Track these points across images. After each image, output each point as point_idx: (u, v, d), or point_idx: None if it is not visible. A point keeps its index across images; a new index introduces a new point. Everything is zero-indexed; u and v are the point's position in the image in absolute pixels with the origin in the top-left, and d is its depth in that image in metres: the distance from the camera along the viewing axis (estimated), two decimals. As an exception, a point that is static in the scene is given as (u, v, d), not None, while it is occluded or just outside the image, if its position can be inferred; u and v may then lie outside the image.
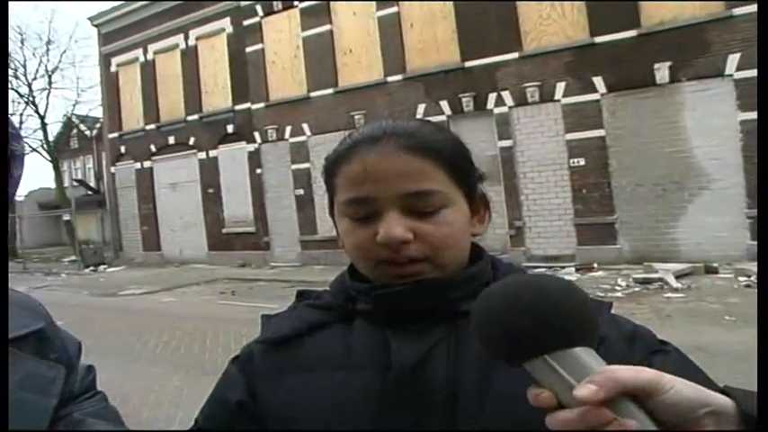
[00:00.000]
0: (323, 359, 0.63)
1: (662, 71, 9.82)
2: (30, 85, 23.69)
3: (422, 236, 0.61)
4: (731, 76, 9.37)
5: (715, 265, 8.74)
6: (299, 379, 0.62)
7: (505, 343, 0.42)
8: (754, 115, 9.07)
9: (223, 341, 6.57)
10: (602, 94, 10.54)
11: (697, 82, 9.66)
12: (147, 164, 18.00)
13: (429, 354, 0.59)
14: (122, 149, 18.63)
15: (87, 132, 25.07)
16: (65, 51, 31.96)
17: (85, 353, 0.78)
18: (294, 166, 14.50)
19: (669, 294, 7.80)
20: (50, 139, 24.73)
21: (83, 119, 25.70)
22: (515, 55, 11.46)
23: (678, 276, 8.40)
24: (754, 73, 9.04)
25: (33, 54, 23.07)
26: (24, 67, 23.68)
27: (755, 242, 7.61)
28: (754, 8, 9.03)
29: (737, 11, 9.32)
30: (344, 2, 13.89)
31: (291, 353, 0.65)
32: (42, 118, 24.05)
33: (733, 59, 9.34)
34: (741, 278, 8.13)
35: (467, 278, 0.63)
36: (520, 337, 0.40)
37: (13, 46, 22.06)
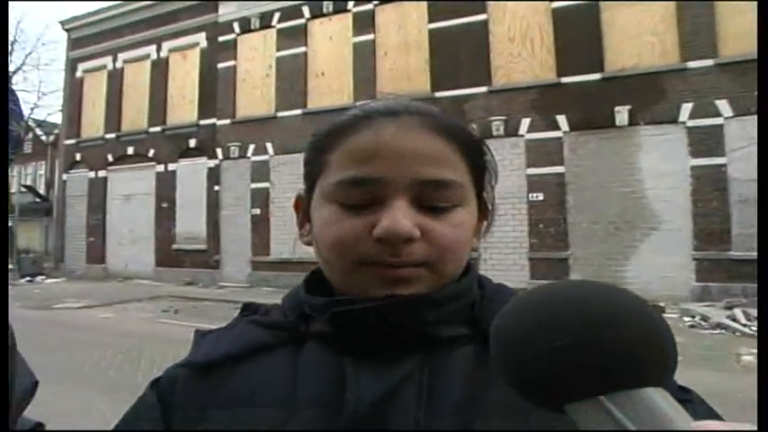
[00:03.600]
0: (260, 392, 0.51)
1: (622, 114, 10.49)
2: (-13, 85, 23.56)
3: (429, 236, 0.51)
4: (684, 123, 10.10)
5: (662, 304, 9.07)
6: (226, 416, 0.51)
7: (543, 376, 0.31)
8: (703, 161, 9.78)
9: (159, 362, 6.38)
10: (564, 132, 11.16)
11: (653, 127, 10.36)
12: (101, 173, 17.86)
13: (395, 391, 0.48)
14: (78, 157, 18.49)
15: (43, 138, 24.79)
16: (30, 53, 31.99)
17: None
18: (253, 185, 14.63)
19: (618, 331, 8.01)
20: (3, 142, 24.35)
21: (40, 123, 25.46)
22: (484, 89, 12.07)
23: (627, 315, 8.64)
24: (704, 122, 9.82)
25: (-5, 53, 23.08)
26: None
27: (700, 283, 8.06)
28: (705, 63, 9.90)
29: (691, 64, 10.20)
30: (322, 25, 14.48)
31: (222, 381, 0.53)
32: (-4, 119, 23.76)
33: (686, 108, 10.10)
34: (686, 318, 8.47)
35: (449, 295, 0.52)
36: (566, 368, 0.30)
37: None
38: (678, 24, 10.49)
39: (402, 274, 0.50)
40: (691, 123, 9.99)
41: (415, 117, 0.53)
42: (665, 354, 0.31)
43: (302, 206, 0.60)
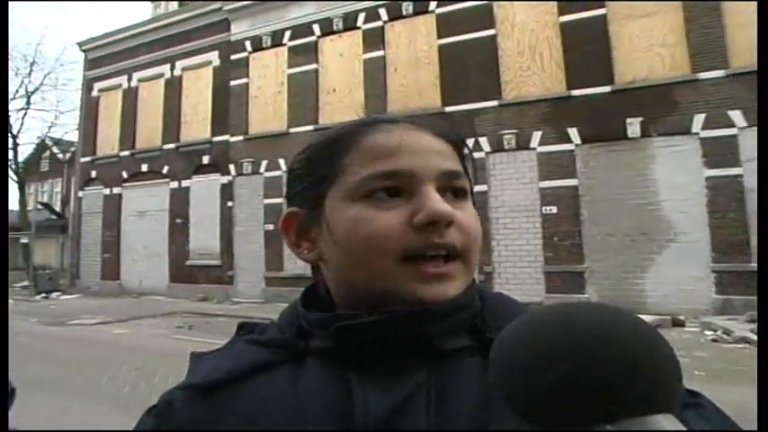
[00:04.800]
0: (264, 410, 0.49)
1: (634, 126, 10.37)
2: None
3: (458, 222, 0.51)
4: (697, 134, 9.95)
5: (681, 317, 8.87)
6: None
7: (548, 407, 0.30)
8: (719, 172, 9.63)
9: (173, 378, 6.19)
10: (576, 145, 11.03)
11: (666, 138, 10.21)
12: (116, 190, 17.94)
13: (404, 405, 0.47)
14: (93, 174, 18.62)
15: (60, 155, 24.94)
16: (48, 74, 32.49)
17: (19, 385, 0.63)
18: (267, 201, 14.60)
19: (636, 346, 7.82)
20: (20, 160, 24.70)
21: (57, 141, 25.66)
22: (495, 103, 12.00)
23: (645, 328, 8.45)
24: (718, 133, 9.69)
25: (16, 74, 23.58)
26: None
27: (721, 296, 7.91)
28: (717, 74, 9.80)
29: (703, 75, 10.08)
30: (333, 42, 14.55)
31: (223, 402, 0.51)
32: (15, 138, 24.09)
33: (699, 119, 9.96)
34: (707, 332, 8.25)
35: (454, 308, 0.51)
36: (571, 398, 0.29)
37: (-6, 64, 22.08)
38: (687, 36, 10.40)
39: (445, 269, 0.50)
40: (704, 134, 9.84)
41: (415, 124, 0.56)
42: (670, 378, 0.31)
43: (295, 224, 0.58)
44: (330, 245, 0.54)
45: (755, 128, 9.38)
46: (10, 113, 23.17)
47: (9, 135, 23.28)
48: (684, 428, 0.29)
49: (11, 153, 23.60)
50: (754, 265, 9.10)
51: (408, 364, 0.49)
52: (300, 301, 0.58)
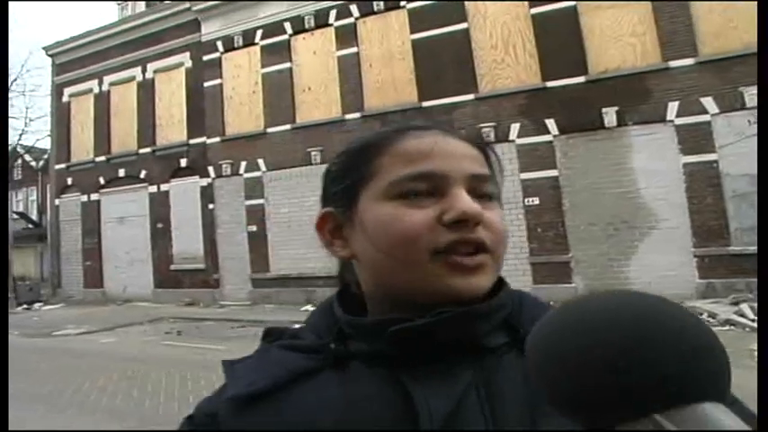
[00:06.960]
0: (315, 418, 0.47)
1: (609, 115, 10.10)
2: (-27, 114, 22.41)
3: (486, 222, 0.51)
4: (672, 121, 9.71)
5: (666, 303, 8.73)
6: None
7: (593, 397, 0.28)
8: (695, 159, 9.45)
9: (166, 385, 5.99)
10: (554, 136, 10.69)
11: (642, 126, 9.94)
12: (94, 196, 16.99)
13: (460, 404, 0.46)
14: (69, 181, 17.60)
15: (33, 163, 23.61)
16: (15, 80, 30.50)
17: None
18: (248, 202, 13.98)
19: (624, 333, 7.67)
20: (-8, 169, 23.33)
21: (29, 149, 24.35)
22: (471, 96, 11.58)
23: (631, 315, 8.30)
24: (692, 120, 9.49)
25: (-21, 82, 21.85)
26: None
27: (704, 280, 7.74)
28: (687, 62, 9.57)
29: (673, 63, 9.85)
30: (305, 41, 13.91)
31: (271, 413, 0.48)
32: (-15, 147, 22.70)
33: (673, 107, 9.72)
34: (692, 316, 8.12)
35: (496, 307, 0.51)
36: (617, 387, 0.28)
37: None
38: (656, 25, 10.13)
39: (477, 260, 0.50)
40: (679, 121, 9.61)
41: (445, 129, 0.56)
42: (719, 365, 0.29)
43: (330, 223, 0.57)
44: (363, 242, 0.53)
45: (728, 114, 9.22)
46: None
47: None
48: (735, 416, 0.27)
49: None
50: (734, 248, 8.99)
51: (455, 363, 0.49)
52: (338, 304, 0.57)
